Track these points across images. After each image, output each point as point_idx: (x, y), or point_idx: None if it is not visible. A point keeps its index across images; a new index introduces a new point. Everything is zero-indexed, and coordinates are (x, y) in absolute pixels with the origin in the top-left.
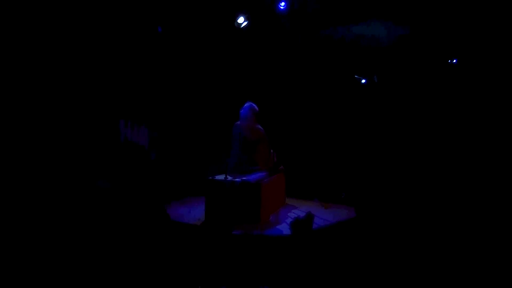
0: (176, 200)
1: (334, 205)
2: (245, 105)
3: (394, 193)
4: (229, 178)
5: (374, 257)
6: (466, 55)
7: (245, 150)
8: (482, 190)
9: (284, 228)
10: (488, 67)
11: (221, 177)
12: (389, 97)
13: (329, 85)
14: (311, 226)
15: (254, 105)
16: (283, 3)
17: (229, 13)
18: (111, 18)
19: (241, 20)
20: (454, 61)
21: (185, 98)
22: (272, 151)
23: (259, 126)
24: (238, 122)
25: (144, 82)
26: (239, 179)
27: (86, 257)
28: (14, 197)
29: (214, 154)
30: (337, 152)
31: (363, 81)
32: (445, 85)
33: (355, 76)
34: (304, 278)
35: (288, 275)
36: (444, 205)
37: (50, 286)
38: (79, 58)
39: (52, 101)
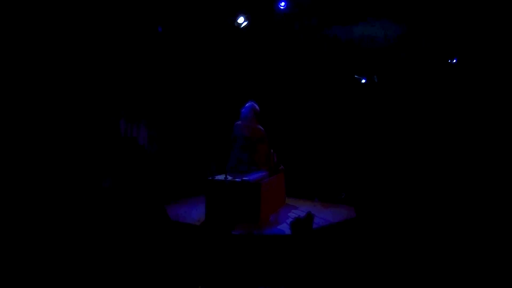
0: (176, 200)
1: (334, 205)
2: (247, 104)
3: (394, 193)
4: (229, 178)
5: (374, 257)
6: (466, 55)
7: (245, 150)
8: (482, 189)
9: (284, 228)
10: (488, 67)
11: (221, 177)
12: (389, 97)
13: (329, 85)
14: (311, 226)
15: (255, 104)
16: (283, 3)
17: (229, 13)
18: (111, 18)
19: (241, 20)
20: (454, 60)
21: (185, 98)
22: (272, 151)
23: (260, 126)
24: (239, 122)
25: (144, 82)
26: (239, 179)
27: (86, 256)
28: (15, 196)
29: (214, 154)
30: (337, 152)
31: (363, 81)
32: (445, 85)
33: (355, 76)
34: (304, 278)
35: (288, 275)
36: (444, 204)
37: (51, 285)
38: (80, 58)
39: (52, 100)
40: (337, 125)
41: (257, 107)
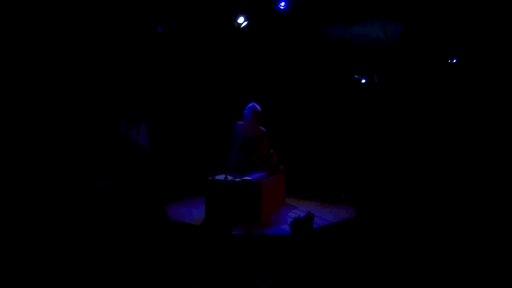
0: (176, 200)
1: (334, 205)
2: (248, 105)
3: (394, 193)
4: (229, 177)
5: (374, 257)
6: (466, 55)
7: (245, 150)
8: (482, 190)
9: (284, 228)
10: (488, 67)
11: (221, 177)
12: (389, 97)
13: (329, 85)
14: (311, 226)
15: (256, 105)
16: (283, 3)
17: (229, 13)
18: (111, 18)
19: (241, 20)
20: (454, 60)
21: (185, 98)
22: (272, 151)
23: (261, 127)
24: (240, 122)
25: (144, 82)
26: (239, 179)
27: (86, 257)
28: (13, 197)
29: (215, 154)
30: (337, 152)
31: (363, 81)
32: (445, 85)
33: (355, 76)
34: (304, 278)
35: (288, 275)
36: (444, 205)
37: (50, 286)
38: (79, 58)
39: (51, 101)
40: (337, 125)
41: (258, 107)
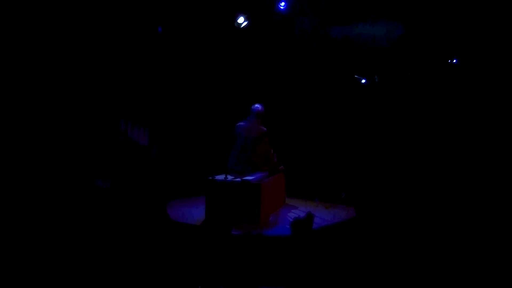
0: (176, 200)
1: (334, 205)
2: (252, 106)
3: (394, 193)
4: (229, 177)
5: (374, 257)
6: (466, 55)
7: (245, 150)
8: (482, 190)
9: (284, 228)
10: (488, 67)
11: (221, 177)
12: (389, 97)
13: (329, 85)
14: (311, 226)
15: (260, 106)
16: (283, 3)
17: (229, 13)
18: (111, 18)
19: (241, 20)
20: (455, 61)
21: (185, 98)
22: (272, 151)
23: (262, 127)
24: (241, 122)
25: (144, 82)
26: (239, 179)
27: (86, 257)
28: (12, 197)
29: (215, 154)
30: (337, 152)
31: (363, 81)
32: (445, 85)
33: (355, 76)
34: (304, 278)
35: (288, 275)
36: (444, 205)
37: (50, 286)
38: (79, 58)
39: (52, 100)
40: (337, 125)
41: (260, 108)
